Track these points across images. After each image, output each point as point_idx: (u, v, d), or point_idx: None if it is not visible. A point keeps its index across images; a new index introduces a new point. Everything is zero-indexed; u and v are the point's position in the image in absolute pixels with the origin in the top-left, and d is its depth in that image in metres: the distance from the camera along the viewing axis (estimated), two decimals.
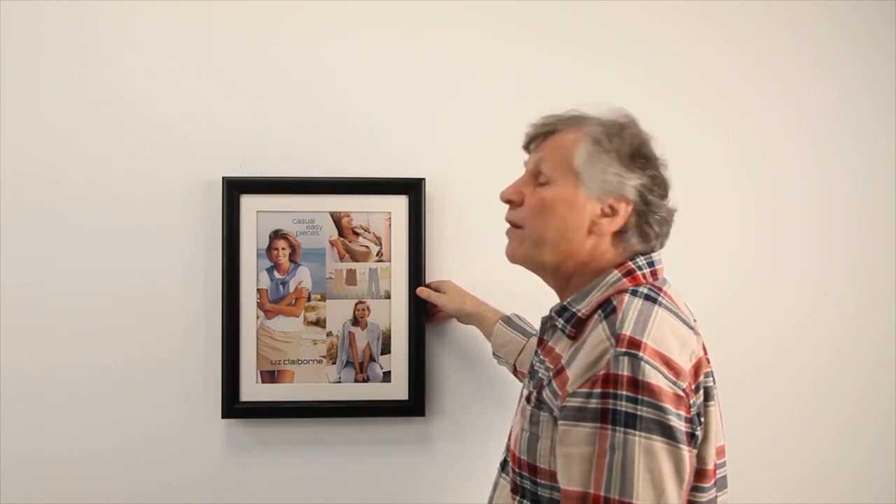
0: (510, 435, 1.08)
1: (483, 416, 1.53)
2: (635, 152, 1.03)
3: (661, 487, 0.86)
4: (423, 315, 1.51)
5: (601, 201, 1.01)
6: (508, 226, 1.10)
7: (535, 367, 1.07)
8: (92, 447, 1.49)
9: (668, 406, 0.87)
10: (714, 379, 0.99)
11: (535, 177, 1.06)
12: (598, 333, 0.94)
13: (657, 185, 1.03)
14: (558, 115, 1.07)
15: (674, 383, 0.89)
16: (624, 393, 0.87)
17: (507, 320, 1.42)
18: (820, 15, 1.63)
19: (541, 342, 1.10)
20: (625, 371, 0.88)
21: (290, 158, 1.52)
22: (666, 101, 1.59)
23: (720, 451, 1.01)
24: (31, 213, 1.49)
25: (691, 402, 0.91)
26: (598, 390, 0.88)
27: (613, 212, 1.01)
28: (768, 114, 1.62)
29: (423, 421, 1.54)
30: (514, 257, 1.08)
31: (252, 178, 1.50)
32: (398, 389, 1.51)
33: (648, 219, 1.02)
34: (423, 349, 1.51)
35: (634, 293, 0.97)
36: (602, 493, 0.86)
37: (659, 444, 0.86)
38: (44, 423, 1.49)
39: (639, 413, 0.87)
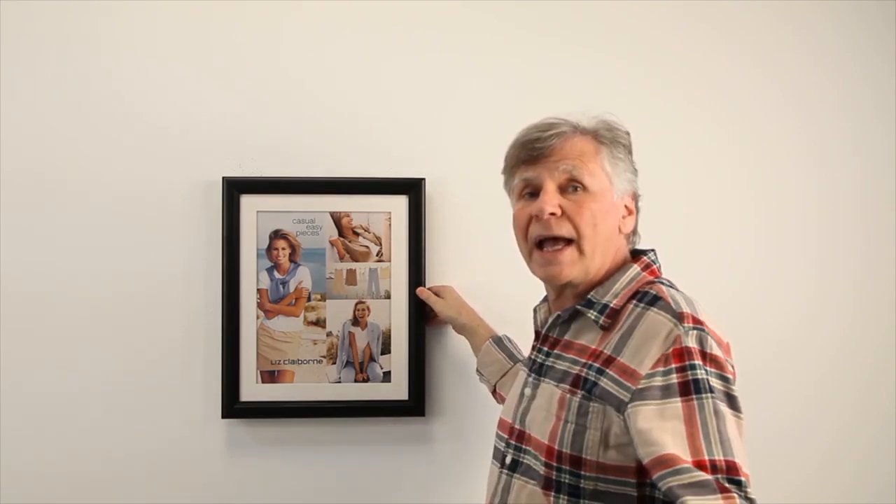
0: (523, 435, 1.06)
1: (483, 416, 1.53)
2: (629, 149, 1.09)
3: (740, 448, 0.89)
4: (423, 316, 1.51)
5: (623, 201, 1.07)
6: (536, 243, 1.06)
7: (549, 363, 1.07)
8: (92, 447, 1.49)
9: (729, 377, 0.94)
10: None
11: (564, 185, 1.04)
12: (651, 319, 0.97)
13: (635, 177, 1.10)
14: (556, 123, 1.07)
15: (727, 360, 0.96)
16: (698, 363, 0.91)
17: (498, 341, 1.42)
18: (820, 15, 1.63)
19: (545, 338, 1.10)
20: (694, 343, 0.92)
21: (290, 158, 1.52)
22: (666, 101, 1.59)
23: None
24: (31, 212, 1.49)
25: (734, 378, 0.96)
26: (673, 365, 0.92)
27: (629, 211, 1.08)
28: (768, 114, 1.62)
29: (423, 421, 1.54)
30: (569, 276, 1.04)
31: (252, 178, 1.50)
32: (398, 389, 1.51)
33: (638, 213, 1.11)
34: (423, 349, 1.51)
35: (663, 284, 1.03)
36: (706, 458, 0.86)
37: (729, 413, 0.91)
38: (44, 424, 1.48)
39: (711, 382, 0.91)
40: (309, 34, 1.53)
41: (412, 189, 1.51)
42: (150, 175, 1.50)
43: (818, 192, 1.63)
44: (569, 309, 1.07)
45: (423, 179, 1.51)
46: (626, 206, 1.08)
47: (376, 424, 1.53)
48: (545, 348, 1.10)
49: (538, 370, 1.09)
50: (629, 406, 0.92)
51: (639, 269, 1.07)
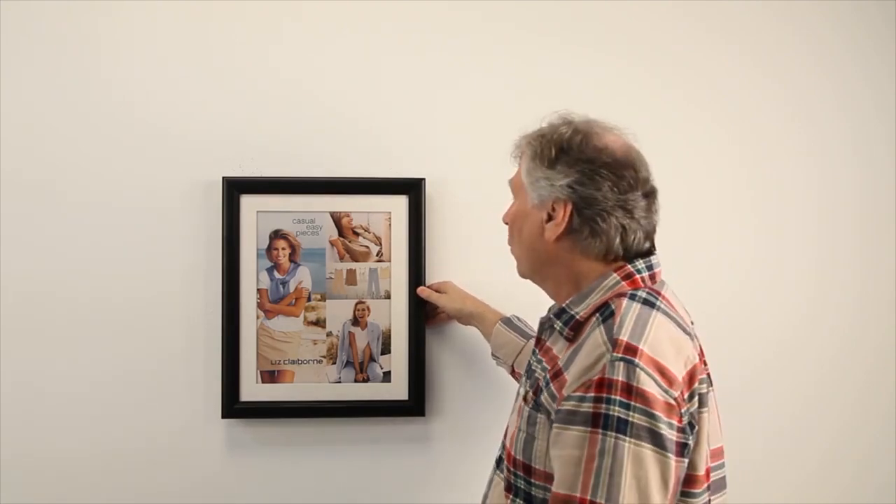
0: (506, 433, 1.09)
1: (483, 416, 1.53)
2: (558, 153, 1.02)
3: (646, 495, 0.86)
4: (423, 316, 1.51)
5: (544, 208, 1.04)
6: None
7: (533, 367, 1.08)
8: (92, 447, 1.49)
9: (660, 414, 0.88)
10: (711, 382, 0.99)
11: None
12: (595, 337, 0.94)
13: (589, 179, 1.00)
14: (523, 136, 1.11)
15: (666, 392, 0.90)
16: (617, 398, 0.88)
17: (507, 321, 1.42)
18: (820, 15, 1.63)
19: (539, 342, 1.11)
20: (619, 376, 0.88)
21: (290, 158, 1.52)
22: (666, 101, 1.59)
23: (717, 453, 1.02)
24: (30, 213, 1.48)
25: (683, 410, 0.91)
26: (591, 394, 0.89)
27: (553, 216, 1.03)
28: (768, 114, 1.62)
29: (423, 421, 1.54)
30: (519, 271, 1.14)
31: (252, 178, 1.50)
32: (398, 389, 1.51)
33: (593, 214, 1.00)
34: (423, 349, 1.51)
35: (633, 297, 0.98)
36: (588, 497, 0.87)
37: (648, 452, 0.87)
38: (44, 423, 1.48)
39: (630, 419, 0.87)
40: (309, 34, 1.53)
41: (412, 189, 1.51)
42: (150, 175, 1.50)
43: (818, 192, 1.63)
44: (546, 315, 1.08)
45: (423, 179, 1.51)
46: (549, 212, 1.03)
47: (376, 424, 1.53)
48: (537, 351, 1.10)
49: (528, 373, 1.10)
50: (553, 424, 0.93)
51: (618, 277, 1.01)
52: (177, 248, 1.50)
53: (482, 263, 1.52)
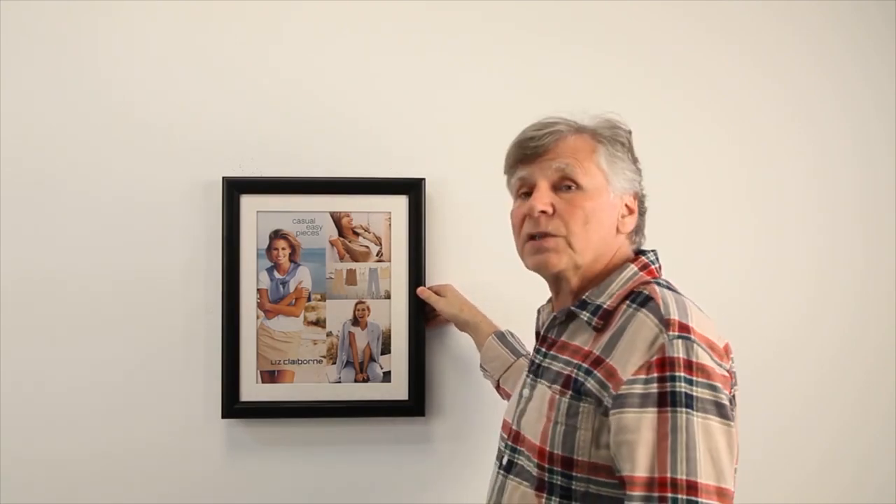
0: (517, 436, 1.07)
1: (483, 416, 1.53)
2: (633, 152, 1.08)
3: (720, 465, 0.88)
4: (423, 317, 1.51)
5: (622, 200, 1.06)
6: (529, 237, 1.06)
7: (545, 364, 1.07)
8: (92, 447, 1.49)
9: (720, 385, 0.91)
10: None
11: (558, 183, 1.04)
12: (641, 321, 0.95)
13: (641, 179, 1.10)
14: (553, 122, 1.07)
15: (719, 365, 0.93)
16: (681, 374, 0.90)
17: (501, 336, 1.43)
18: (820, 15, 1.63)
19: (544, 339, 1.10)
20: (680, 353, 0.91)
21: (290, 158, 1.52)
22: (666, 101, 1.59)
23: None
24: (30, 213, 1.48)
25: (732, 382, 0.96)
26: (655, 374, 0.91)
27: (630, 210, 1.07)
28: (768, 114, 1.62)
29: (423, 421, 1.54)
30: (557, 265, 1.04)
31: (252, 178, 1.50)
32: (398, 389, 1.51)
33: (643, 210, 1.10)
34: (423, 349, 1.51)
35: (660, 284, 1.02)
36: (668, 475, 0.87)
37: (715, 423, 0.89)
38: (44, 423, 1.48)
39: (695, 394, 0.89)
40: (309, 34, 1.53)
41: (412, 189, 1.51)
42: (150, 175, 1.50)
43: (818, 192, 1.63)
44: (564, 310, 1.07)
45: (423, 179, 1.51)
46: (626, 206, 1.07)
47: (376, 424, 1.53)
48: (543, 349, 1.10)
49: (536, 371, 1.09)
50: (611, 412, 0.93)
51: (636, 268, 1.05)
52: (177, 247, 1.50)
53: (482, 263, 1.52)
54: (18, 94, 1.49)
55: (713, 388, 0.90)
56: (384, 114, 1.54)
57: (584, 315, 1.04)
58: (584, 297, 1.05)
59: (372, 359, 1.51)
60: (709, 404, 0.89)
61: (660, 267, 1.09)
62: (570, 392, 0.99)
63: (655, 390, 0.90)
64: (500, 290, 1.50)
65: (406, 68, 1.55)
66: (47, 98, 1.49)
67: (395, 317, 1.51)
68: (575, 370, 1.00)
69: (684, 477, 0.87)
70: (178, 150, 1.51)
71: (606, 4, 1.58)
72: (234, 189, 1.48)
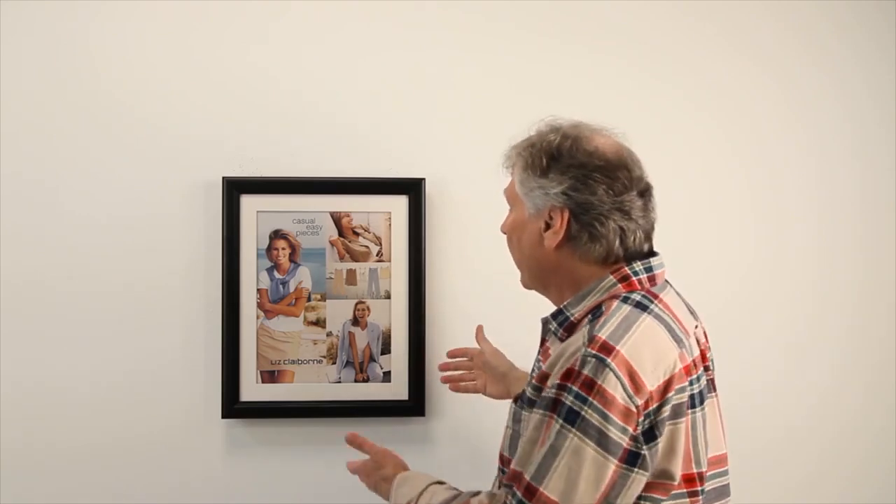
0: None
1: (483, 416, 1.53)
2: (549, 161, 1.02)
3: (572, 487, 0.88)
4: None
5: (541, 217, 1.03)
6: None
7: (533, 369, 1.09)
8: (92, 447, 1.49)
9: (615, 417, 0.89)
10: (700, 388, 0.97)
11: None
12: (580, 334, 0.95)
13: (583, 184, 1.00)
14: (512, 147, 1.09)
15: (630, 397, 0.89)
16: (576, 389, 0.90)
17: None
18: (820, 15, 1.63)
19: (542, 344, 1.11)
20: (586, 371, 0.90)
21: (290, 158, 1.52)
22: (666, 101, 1.59)
23: (718, 461, 1.02)
24: (30, 213, 1.48)
25: (640, 419, 0.90)
26: (557, 381, 0.92)
27: (551, 224, 1.02)
28: (768, 114, 1.62)
29: (423, 421, 1.54)
30: (523, 283, 1.13)
31: (252, 178, 1.50)
32: (398, 389, 1.51)
33: (590, 219, 1.00)
34: (423, 349, 1.51)
35: (625, 299, 0.98)
36: (521, 469, 0.92)
37: (589, 450, 0.89)
38: (45, 423, 1.49)
39: (583, 413, 0.89)
40: (309, 34, 1.53)
41: (412, 189, 1.51)
42: (150, 175, 1.50)
43: (818, 192, 1.63)
44: (545, 317, 1.09)
45: (423, 179, 1.51)
46: (546, 221, 1.02)
47: (376, 424, 1.53)
48: (539, 355, 1.11)
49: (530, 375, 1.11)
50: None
51: (614, 280, 1.00)
52: (177, 248, 1.50)
53: (482, 264, 1.52)
54: (18, 94, 1.49)
55: (604, 416, 0.88)
56: (385, 114, 1.54)
57: (552, 325, 1.05)
58: (562, 305, 1.05)
59: (372, 359, 1.51)
60: (592, 429, 0.88)
61: (652, 277, 1.01)
62: (520, 399, 1.02)
63: (552, 395, 0.92)
64: (500, 289, 1.50)
65: (406, 68, 1.55)
66: (47, 98, 1.49)
67: (395, 317, 1.51)
68: (533, 378, 1.02)
69: (529, 478, 0.90)
70: (179, 151, 1.51)
71: (606, 4, 1.58)
72: (234, 189, 1.48)
